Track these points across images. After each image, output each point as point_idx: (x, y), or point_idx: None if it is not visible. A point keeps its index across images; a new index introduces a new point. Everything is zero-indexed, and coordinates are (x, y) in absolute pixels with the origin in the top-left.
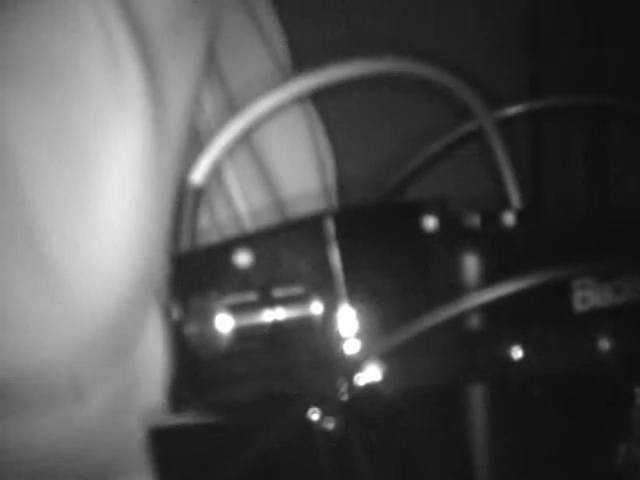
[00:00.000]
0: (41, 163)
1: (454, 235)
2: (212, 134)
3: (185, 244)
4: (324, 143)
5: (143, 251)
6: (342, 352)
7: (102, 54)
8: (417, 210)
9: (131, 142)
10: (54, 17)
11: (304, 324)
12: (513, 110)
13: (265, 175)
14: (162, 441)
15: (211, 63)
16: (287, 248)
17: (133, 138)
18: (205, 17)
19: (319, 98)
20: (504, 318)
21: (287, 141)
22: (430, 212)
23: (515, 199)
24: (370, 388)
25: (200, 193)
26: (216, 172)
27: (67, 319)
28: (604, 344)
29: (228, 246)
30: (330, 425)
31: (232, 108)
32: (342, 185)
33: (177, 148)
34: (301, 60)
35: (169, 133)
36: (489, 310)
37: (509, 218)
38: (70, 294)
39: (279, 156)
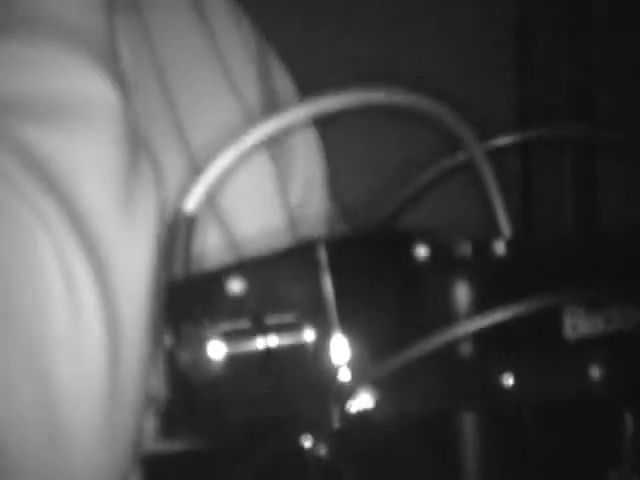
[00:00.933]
0: None
1: (445, 264)
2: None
3: (178, 272)
4: (305, 162)
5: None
6: (334, 379)
7: (52, 260)
8: (408, 239)
9: (87, 340)
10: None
11: (296, 351)
12: (503, 141)
13: (220, 216)
14: (155, 467)
15: (172, 123)
16: (279, 276)
17: (88, 339)
18: (153, 174)
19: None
20: (495, 346)
21: (244, 180)
22: (421, 241)
23: (505, 228)
24: (362, 415)
25: (193, 221)
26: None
27: None
28: (595, 372)
29: (221, 274)
30: (322, 451)
31: (196, 170)
32: (337, 200)
33: (137, 345)
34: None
35: (125, 327)
36: (480, 338)
37: (500, 247)
38: None
39: (234, 195)
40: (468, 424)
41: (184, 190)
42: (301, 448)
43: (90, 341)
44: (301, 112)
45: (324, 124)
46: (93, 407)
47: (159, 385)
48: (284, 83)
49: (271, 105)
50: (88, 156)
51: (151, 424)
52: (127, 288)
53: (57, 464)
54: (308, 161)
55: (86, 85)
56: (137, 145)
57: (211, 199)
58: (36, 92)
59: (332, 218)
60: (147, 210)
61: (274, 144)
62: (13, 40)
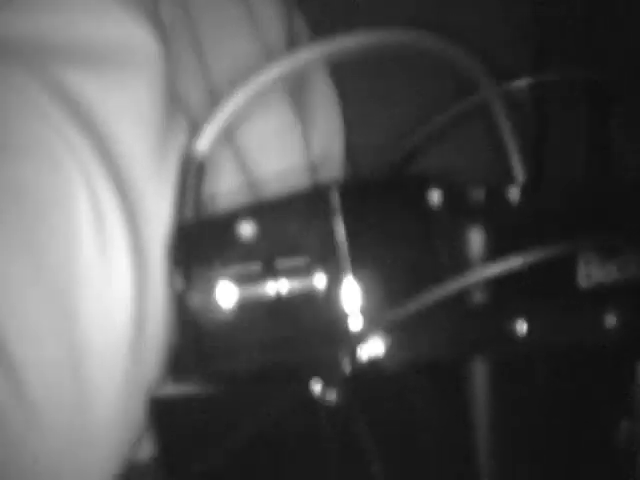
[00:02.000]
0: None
1: (459, 209)
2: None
3: (189, 214)
4: (324, 116)
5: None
6: (345, 325)
7: (84, 202)
8: (422, 184)
9: (114, 294)
10: (37, 166)
11: (307, 296)
12: (520, 84)
13: (239, 156)
14: (164, 410)
15: (194, 51)
16: (291, 220)
17: (115, 290)
18: (183, 122)
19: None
20: (508, 293)
21: (262, 122)
22: (435, 186)
23: (519, 172)
24: (373, 362)
25: (204, 162)
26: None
27: None
28: (608, 320)
29: (232, 217)
30: (332, 398)
31: (215, 98)
32: (347, 158)
33: (162, 291)
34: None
35: (151, 274)
36: (494, 285)
37: (514, 192)
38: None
39: (253, 135)
40: (480, 374)
41: (197, 130)
42: (311, 395)
43: (118, 283)
44: (316, 50)
45: (337, 70)
46: (117, 352)
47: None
48: (301, 26)
49: (292, 47)
50: (126, 102)
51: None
52: (154, 236)
53: (77, 407)
54: (328, 113)
55: (128, 33)
56: (174, 97)
57: (231, 137)
58: (78, 37)
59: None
60: (178, 162)
61: (294, 96)
62: None
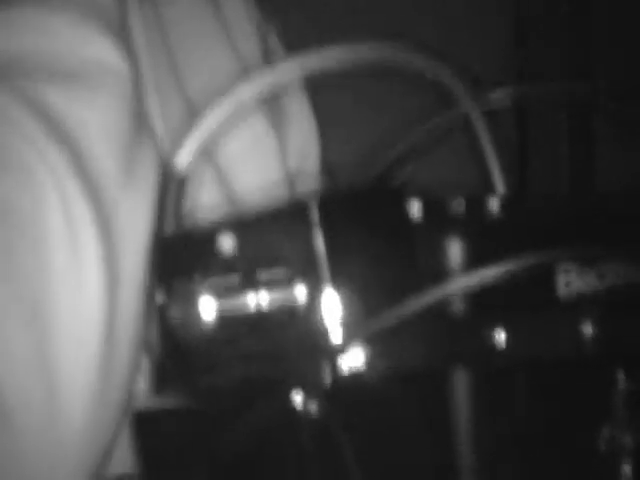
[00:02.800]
0: None
1: (439, 221)
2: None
3: (169, 228)
4: (300, 129)
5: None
6: (326, 336)
7: (57, 210)
8: (402, 196)
9: (85, 296)
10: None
11: (288, 308)
12: (497, 96)
13: (217, 171)
14: (145, 424)
15: (170, 72)
16: (271, 232)
17: (87, 299)
18: (152, 137)
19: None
20: (488, 303)
21: (238, 136)
22: (415, 198)
23: (500, 185)
24: (354, 373)
25: (184, 176)
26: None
27: None
28: (587, 329)
29: (212, 230)
30: (313, 409)
31: (192, 113)
32: (327, 171)
33: (133, 304)
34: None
35: (126, 287)
36: (473, 295)
37: (494, 204)
38: None
39: (229, 149)
40: (460, 383)
41: (176, 145)
42: (293, 407)
43: (89, 292)
44: (294, 66)
45: (316, 84)
46: (89, 359)
47: (152, 341)
48: (275, 44)
49: (267, 64)
50: (96, 119)
51: (142, 380)
52: (127, 246)
53: (52, 415)
54: (303, 127)
55: (97, 52)
56: (141, 113)
57: (209, 153)
58: (50, 55)
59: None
60: (147, 175)
61: (270, 109)
62: (29, 6)
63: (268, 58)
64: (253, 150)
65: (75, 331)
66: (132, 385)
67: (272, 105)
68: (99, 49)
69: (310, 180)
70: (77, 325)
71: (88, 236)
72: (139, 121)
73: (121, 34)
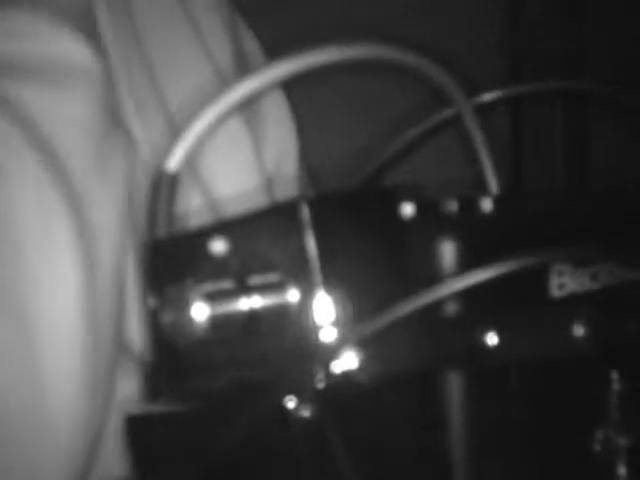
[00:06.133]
0: None
1: (431, 221)
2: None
3: (160, 232)
4: (277, 132)
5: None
6: (318, 339)
7: (31, 208)
8: (394, 196)
9: (62, 299)
10: None
11: (281, 311)
12: (491, 96)
13: (196, 176)
14: (138, 429)
15: (150, 84)
16: (263, 235)
17: (64, 293)
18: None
19: (292, 84)
20: (480, 304)
21: (221, 143)
22: (407, 198)
23: (493, 184)
24: (346, 376)
25: (175, 180)
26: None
27: None
28: (581, 330)
29: (204, 233)
30: (306, 413)
31: (173, 129)
32: (319, 172)
33: (110, 290)
34: (279, 47)
35: (102, 278)
36: (465, 296)
37: (487, 204)
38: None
39: (211, 157)
40: (453, 385)
41: (166, 149)
42: (286, 411)
43: (66, 282)
44: (283, 68)
45: (306, 82)
46: (71, 349)
47: (144, 347)
48: (253, 46)
49: (241, 68)
50: (66, 112)
51: (134, 386)
52: (101, 240)
53: (36, 407)
54: (280, 127)
55: (66, 50)
56: (111, 110)
57: (190, 161)
58: (18, 53)
59: (304, 184)
60: (118, 169)
61: (247, 109)
62: None
63: (244, 61)
64: (229, 153)
65: (56, 326)
66: (115, 378)
67: (248, 109)
68: (67, 46)
69: (289, 182)
70: (57, 314)
71: (62, 231)
72: (110, 115)
73: (90, 31)
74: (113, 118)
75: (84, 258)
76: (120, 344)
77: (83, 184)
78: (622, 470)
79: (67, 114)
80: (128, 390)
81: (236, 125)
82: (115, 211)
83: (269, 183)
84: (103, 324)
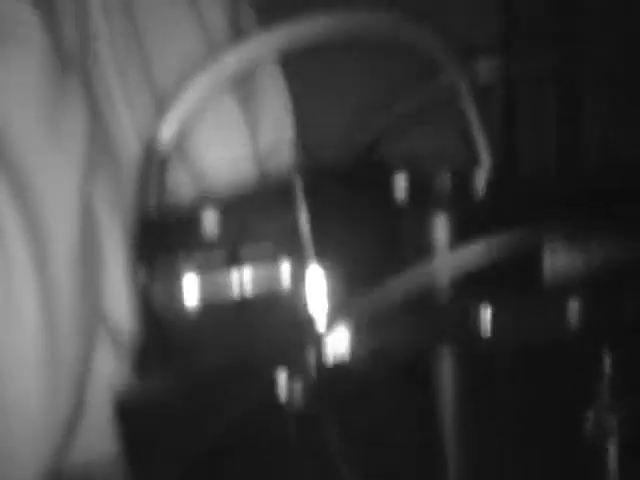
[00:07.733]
0: None
1: (424, 196)
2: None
3: (151, 206)
4: (272, 104)
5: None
6: (310, 315)
7: None
8: (387, 170)
9: (17, 302)
10: None
11: (272, 286)
12: (484, 65)
13: (182, 149)
14: (127, 411)
15: (137, 54)
16: (255, 208)
17: (18, 299)
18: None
19: (284, 58)
20: (472, 284)
21: (213, 123)
22: (400, 172)
23: (485, 158)
24: (338, 356)
25: (167, 155)
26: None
27: None
28: (573, 311)
29: (195, 207)
30: (298, 393)
31: (160, 102)
32: (312, 145)
33: (67, 275)
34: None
35: (54, 258)
36: (458, 276)
37: (480, 178)
38: None
39: (204, 132)
40: (444, 367)
41: (155, 123)
42: (277, 391)
43: (20, 294)
44: (275, 37)
45: (302, 55)
46: (28, 359)
47: (132, 322)
48: (250, 19)
49: (237, 38)
50: (8, 80)
51: (112, 360)
52: (52, 210)
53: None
54: (276, 103)
55: (6, 6)
56: (64, 71)
57: (179, 140)
58: None
59: (298, 158)
60: (74, 134)
61: (242, 84)
62: None
63: (240, 34)
64: (220, 126)
65: (9, 317)
66: (82, 385)
67: (241, 81)
68: (8, 7)
69: (283, 157)
70: (12, 324)
71: (8, 212)
72: (61, 80)
73: None
74: (65, 80)
75: (33, 236)
76: (97, 317)
77: (31, 156)
78: (613, 451)
79: (6, 79)
80: (107, 364)
81: (229, 104)
82: (68, 181)
83: (263, 156)
84: (63, 335)
